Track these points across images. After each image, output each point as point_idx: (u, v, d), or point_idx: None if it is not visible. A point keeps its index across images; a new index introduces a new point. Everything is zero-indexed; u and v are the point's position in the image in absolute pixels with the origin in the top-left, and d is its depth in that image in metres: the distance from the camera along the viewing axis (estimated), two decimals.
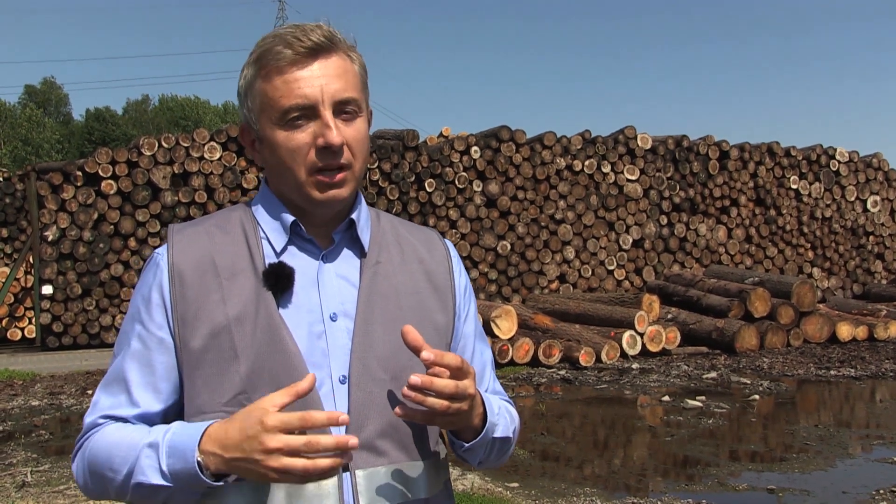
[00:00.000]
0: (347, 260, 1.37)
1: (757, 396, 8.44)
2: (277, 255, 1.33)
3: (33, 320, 14.70)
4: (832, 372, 9.87)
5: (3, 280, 14.69)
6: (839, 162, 17.77)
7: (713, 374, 9.78)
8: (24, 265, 14.91)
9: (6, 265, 15.68)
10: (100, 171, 13.15)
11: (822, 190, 17.56)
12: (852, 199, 17.84)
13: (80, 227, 13.10)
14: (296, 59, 1.27)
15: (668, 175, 16.20)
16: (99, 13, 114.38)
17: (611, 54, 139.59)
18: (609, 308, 11.83)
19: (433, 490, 1.35)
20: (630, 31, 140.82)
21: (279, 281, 1.29)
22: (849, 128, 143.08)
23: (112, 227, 13.25)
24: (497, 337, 10.70)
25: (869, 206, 17.98)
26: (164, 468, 1.17)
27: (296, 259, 1.33)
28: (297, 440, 1.12)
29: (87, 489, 1.30)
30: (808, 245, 17.42)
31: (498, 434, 1.36)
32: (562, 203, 15.30)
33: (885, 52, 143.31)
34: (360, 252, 1.38)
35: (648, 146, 16.05)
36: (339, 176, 1.29)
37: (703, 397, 8.35)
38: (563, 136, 15.51)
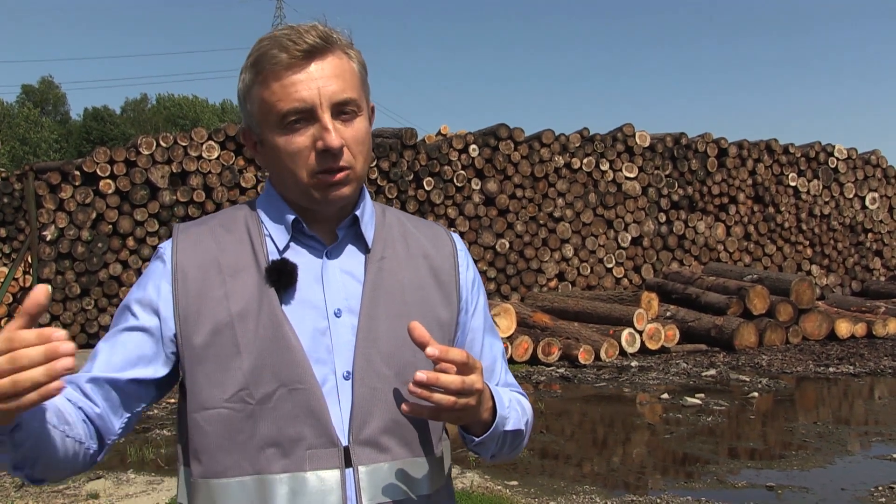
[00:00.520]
0: (352, 255, 1.37)
1: (756, 394, 8.44)
2: (281, 252, 1.33)
3: None
4: (831, 369, 9.88)
5: (2, 280, 14.68)
6: (838, 159, 17.78)
7: (712, 372, 9.79)
8: (22, 265, 14.89)
9: (4, 265, 15.66)
10: (98, 171, 13.14)
11: (821, 187, 17.57)
12: (851, 196, 17.85)
13: (79, 226, 13.10)
14: (291, 62, 1.27)
15: (667, 173, 16.20)
16: (97, 12, 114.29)
17: (609, 52, 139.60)
18: (608, 306, 11.84)
19: (435, 486, 1.35)
20: (628, 30, 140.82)
21: (282, 277, 1.29)
22: (847, 125, 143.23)
23: (110, 226, 13.24)
24: None
25: (867, 203, 17.99)
26: None
27: (299, 256, 1.34)
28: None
29: None
30: (807, 242, 17.43)
31: (509, 427, 1.35)
32: (560, 201, 15.29)
33: (883, 50, 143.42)
34: (365, 248, 1.38)
35: (647, 144, 16.06)
36: (341, 175, 1.30)
37: (703, 395, 8.35)
38: (561, 134, 15.51)
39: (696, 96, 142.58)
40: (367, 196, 1.43)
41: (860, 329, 12.48)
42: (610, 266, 15.62)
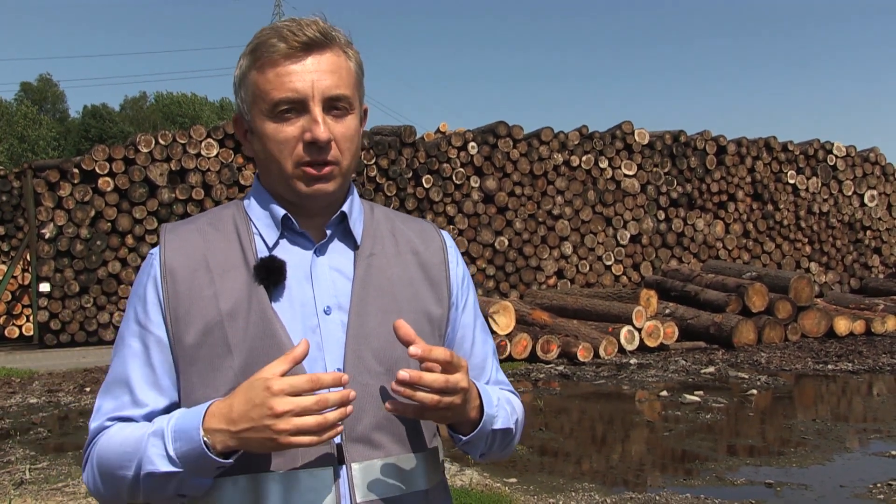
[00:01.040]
0: (341, 252, 1.37)
1: (755, 391, 8.45)
2: (270, 249, 1.33)
3: (31, 318, 14.67)
4: (830, 366, 9.89)
5: (1, 278, 14.67)
6: (836, 157, 17.78)
7: (711, 369, 9.80)
8: (21, 263, 14.88)
9: (3, 263, 15.65)
10: (97, 169, 13.13)
11: (820, 185, 17.57)
12: (849, 193, 17.85)
13: (78, 224, 13.08)
14: (289, 52, 1.28)
15: (666, 170, 16.20)
16: (95, 10, 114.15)
17: (608, 50, 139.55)
18: (607, 303, 11.84)
19: (430, 483, 1.34)
20: (627, 27, 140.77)
21: (270, 275, 1.29)
22: (846, 122, 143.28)
23: (109, 224, 13.23)
24: (495, 333, 10.70)
25: (866, 200, 17.99)
26: (171, 453, 1.17)
27: (288, 253, 1.33)
28: (307, 399, 1.13)
29: (100, 495, 1.29)
30: (806, 240, 17.44)
31: (498, 426, 1.35)
32: (559, 199, 15.30)
33: (882, 48, 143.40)
34: (354, 244, 1.38)
35: (646, 141, 16.05)
36: (326, 170, 1.29)
37: (701, 392, 8.36)
38: (560, 132, 15.50)
39: (695, 94, 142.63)
40: (356, 193, 1.42)
41: (859, 326, 12.48)
42: (609, 263, 15.62)
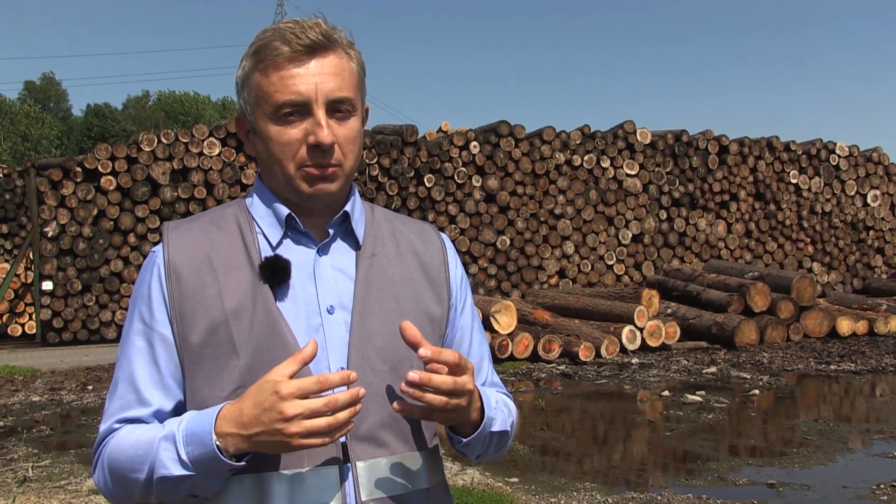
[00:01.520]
0: (343, 252, 1.37)
1: (757, 391, 8.44)
2: (273, 248, 1.34)
3: (34, 316, 14.70)
4: (832, 367, 9.88)
5: (4, 276, 14.69)
6: (839, 156, 17.76)
7: (713, 369, 9.79)
8: (24, 261, 14.90)
9: (6, 261, 15.68)
10: (99, 167, 13.14)
11: (822, 184, 17.55)
12: (852, 193, 17.83)
13: (80, 223, 13.10)
14: (293, 55, 1.28)
15: (668, 170, 16.19)
16: (98, 9, 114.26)
17: (610, 49, 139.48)
18: (608, 303, 11.83)
19: (433, 481, 1.35)
20: (629, 26, 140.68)
21: (275, 274, 1.29)
22: (849, 122, 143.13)
23: (112, 222, 13.24)
24: (496, 332, 10.70)
25: (869, 200, 17.97)
26: (184, 457, 1.18)
27: (291, 252, 1.34)
28: (317, 402, 1.13)
29: (111, 496, 1.30)
30: (808, 240, 17.42)
31: (496, 428, 1.36)
32: (561, 198, 15.29)
33: (885, 47, 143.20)
34: (356, 245, 1.39)
35: (648, 141, 16.04)
36: (329, 170, 1.30)
37: (703, 392, 8.35)
38: (562, 131, 15.50)
39: (698, 93, 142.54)
40: (357, 194, 1.43)
41: (862, 326, 12.46)
42: (611, 263, 15.61)
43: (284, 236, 1.35)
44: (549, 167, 15.21)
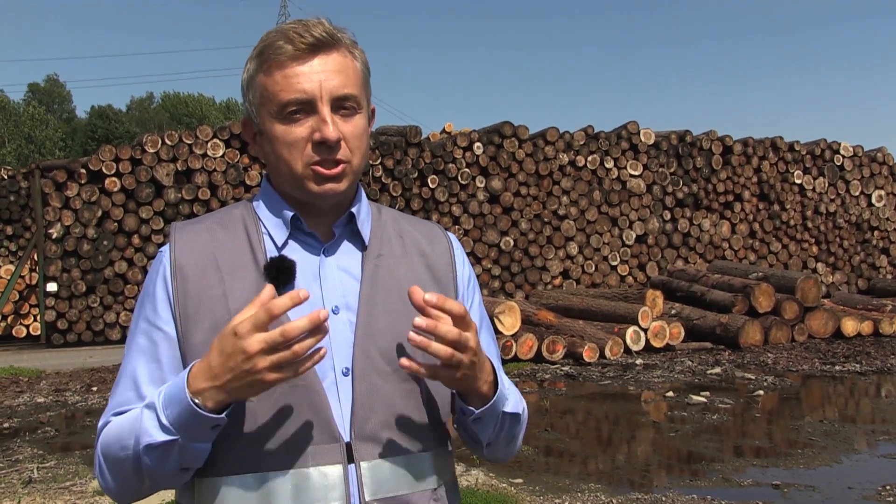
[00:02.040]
0: (349, 253, 1.38)
1: (761, 392, 8.42)
2: (279, 249, 1.34)
3: (38, 317, 14.73)
4: (837, 367, 9.85)
5: (9, 278, 14.73)
6: (843, 156, 17.73)
7: (717, 370, 9.77)
8: (28, 263, 14.94)
9: (11, 263, 15.72)
10: (103, 169, 13.18)
11: (827, 185, 17.52)
12: (857, 193, 17.80)
13: (84, 224, 13.13)
14: (296, 54, 1.29)
15: (672, 170, 16.18)
16: (102, 11, 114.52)
17: (613, 50, 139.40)
18: (612, 304, 11.82)
19: (439, 482, 1.35)
20: (632, 27, 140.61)
21: (280, 274, 1.30)
22: (853, 122, 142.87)
23: (116, 224, 13.27)
24: (500, 333, 10.70)
25: (874, 200, 17.94)
26: (164, 421, 1.17)
27: (297, 253, 1.34)
28: (272, 333, 1.12)
29: (110, 490, 1.29)
30: (813, 240, 17.39)
31: (508, 409, 1.35)
32: (565, 199, 15.29)
33: (889, 47, 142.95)
34: (362, 245, 1.39)
35: (651, 141, 16.03)
36: (337, 169, 1.30)
37: (708, 393, 8.34)
38: (566, 132, 15.50)
39: (701, 94, 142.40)
40: (363, 194, 1.43)
41: (867, 327, 12.44)
42: (615, 264, 15.60)
43: (290, 237, 1.35)
44: (553, 168, 15.21)
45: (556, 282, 15.09)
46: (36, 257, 14.01)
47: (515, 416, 1.38)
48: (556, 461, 6.04)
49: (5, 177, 16.70)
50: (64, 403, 8.56)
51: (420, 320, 1.17)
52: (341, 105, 1.31)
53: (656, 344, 11.30)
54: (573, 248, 15.28)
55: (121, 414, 1.29)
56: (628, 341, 11.07)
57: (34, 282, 15.11)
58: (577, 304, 12.26)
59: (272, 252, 1.33)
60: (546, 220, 15.13)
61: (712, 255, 16.26)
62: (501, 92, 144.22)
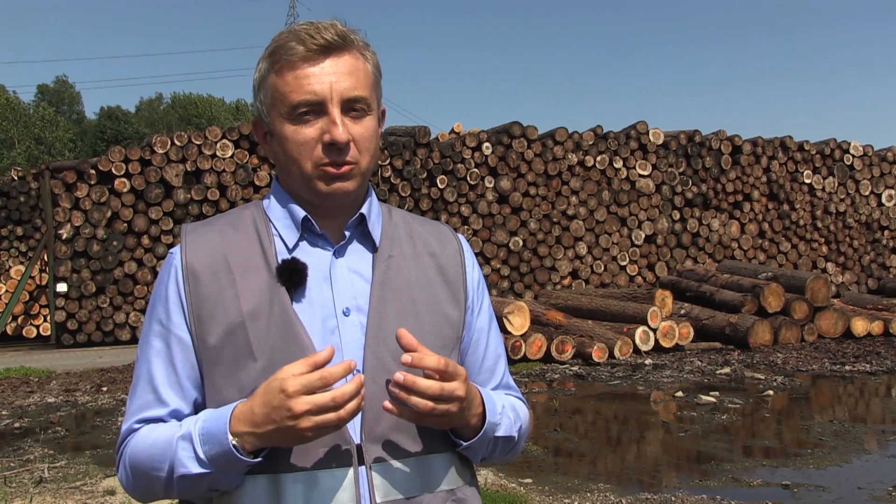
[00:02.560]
0: (359, 254, 1.38)
1: (771, 392, 8.40)
2: (290, 251, 1.34)
3: (48, 318, 14.81)
4: (847, 367, 9.81)
5: (19, 278, 14.80)
6: (853, 156, 17.65)
7: (727, 370, 9.75)
8: (38, 263, 15.02)
9: (21, 263, 15.80)
10: (113, 170, 13.23)
11: (836, 184, 17.45)
12: (867, 193, 17.71)
13: (94, 225, 13.19)
14: (308, 55, 1.29)
15: (681, 170, 16.14)
16: (111, 12, 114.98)
17: (622, 50, 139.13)
18: (621, 304, 11.80)
19: (453, 483, 1.35)
20: (641, 27, 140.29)
21: (292, 276, 1.30)
22: (863, 122, 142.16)
23: (125, 224, 13.33)
24: (509, 333, 10.69)
25: (884, 200, 17.85)
26: (202, 456, 1.20)
27: (308, 255, 1.34)
28: (323, 398, 1.15)
29: (136, 494, 1.32)
30: (822, 240, 17.32)
31: (500, 433, 1.36)
32: (574, 199, 15.27)
33: None
34: (372, 247, 1.39)
35: (660, 141, 16.00)
36: (345, 168, 1.31)
37: (717, 393, 8.32)
38: (574, 132, 15.48)
39: (710, 93, 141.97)
40: (374, 195, 1.43)
41: (877, 327, 12.38)
42: (623, 264, 15.57)
43: (301, 238, 1.36)
44: (562, 168, 15.19)
45: (566, 282, 15.08)
46: (46, 258, 14.08)
47: (509, 438, 1.39)
48: (565, 461, 6.03)
49: (15, 178, 16.79)
50: (74, 403, 8.60)
51: (399, 375, 1.19)
52: (351, 107, 1.31)
53: (665, 344, 11.27)
54: (582, 248, 15.27)
55: (145, 421, 1.30)
56: (637, 341, 11.05)
57: (44, 282, 15.19)
58: (586, 305, 12.24)
59: (283, 254, 1.34)
60: (555, 220, 15.11)
61: (721, 255, 16.21)
62: (510, 92, 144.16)
